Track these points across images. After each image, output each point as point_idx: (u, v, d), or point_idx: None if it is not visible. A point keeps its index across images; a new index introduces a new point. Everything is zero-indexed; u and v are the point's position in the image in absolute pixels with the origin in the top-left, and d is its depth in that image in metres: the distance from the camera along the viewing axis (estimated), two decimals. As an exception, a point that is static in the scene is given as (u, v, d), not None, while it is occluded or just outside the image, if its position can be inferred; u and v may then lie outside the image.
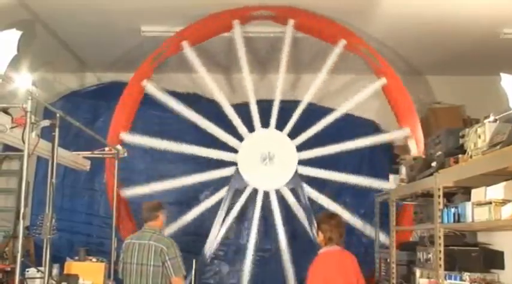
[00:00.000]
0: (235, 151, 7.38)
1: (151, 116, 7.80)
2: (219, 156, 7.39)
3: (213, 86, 7.30)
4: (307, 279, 4.65)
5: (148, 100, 7.47)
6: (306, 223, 7.28)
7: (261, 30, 7.31)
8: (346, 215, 7.16)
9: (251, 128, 7.39)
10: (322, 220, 4.84)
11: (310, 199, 7.33)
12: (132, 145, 7.14)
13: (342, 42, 7.11)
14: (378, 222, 6.82)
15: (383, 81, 7.27)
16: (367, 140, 7.28)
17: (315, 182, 7.41)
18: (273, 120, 7.34)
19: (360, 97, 7.30)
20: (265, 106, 7.38)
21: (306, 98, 7.30)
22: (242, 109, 7.44)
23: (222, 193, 7.35)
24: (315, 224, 5.00)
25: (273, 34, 7.31)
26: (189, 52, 7.13)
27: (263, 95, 7.63)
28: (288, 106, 7.40)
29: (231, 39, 7.20)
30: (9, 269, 5.04)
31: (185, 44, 7.10)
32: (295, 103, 7.43)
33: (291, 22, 7.00)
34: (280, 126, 7.36)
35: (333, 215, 4.95)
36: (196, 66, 7.16)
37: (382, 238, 6.77)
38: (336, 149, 7.28)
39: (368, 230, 7.20)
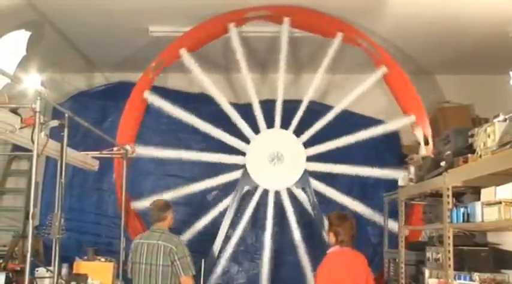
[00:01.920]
0: (243, 153, 7.42)
1: (158, 118, 7.79)
2: (227, 160, 7.42)
3: (214, 91, 7.31)
4: (315, 278, 4.64)
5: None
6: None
7: (259, 30, 7.28)
8: (357, 207, 7.23)
9: (256, 129, 7.42)
10: (334, 222, 4.78)
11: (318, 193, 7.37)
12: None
13: (339, 35, 7.08)
14: (387, 221, 6.81)
15: (383, 69, 7.23)
16: (375, 130, 7.26)
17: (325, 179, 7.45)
18: (278, 120, 7.35)
19: (362, 89, 7.25)
20: (268, 107, 7.41)
21: (308, 95, 7.31)
22: (244, 110, 7.46)
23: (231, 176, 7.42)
24: (326, 225, 4.95)
25: (271, 33, 7.30)
26: (188, 58, 7.15)
27: (265, 95, 7.70)
28: (290, 106, 7.41)
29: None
30: (18, 268, 5.07)
31: (183, 51, 7.14)
32: (297, 103, 7.42)
33: (287, 20, 6.98)
34: (284, 126, 7.38)
35: (345, 217, 4.86)
36: (196, 72, 7.19)
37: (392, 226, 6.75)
38: (344, 142, 7.25)
39: (377, 218, 7.19)
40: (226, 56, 7.78)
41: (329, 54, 7.14)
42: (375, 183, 7.74)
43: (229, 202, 7.38)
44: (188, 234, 7.18)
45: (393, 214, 6.57)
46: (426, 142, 7.06)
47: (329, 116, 7.30)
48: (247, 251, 8.12)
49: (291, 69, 7.63)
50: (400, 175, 6.19)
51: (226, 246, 7.35)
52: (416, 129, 7.29)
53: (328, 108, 7.51)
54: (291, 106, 7.38)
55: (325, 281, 4.55)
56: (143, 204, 7.08)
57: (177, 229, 6.57)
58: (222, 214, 7.39)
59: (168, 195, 7.07)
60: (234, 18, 7.01)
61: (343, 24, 7.05)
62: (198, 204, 7.93)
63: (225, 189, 7.63)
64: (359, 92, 7.26)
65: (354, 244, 4.77)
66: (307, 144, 7.39)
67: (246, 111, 7.44)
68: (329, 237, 4.79)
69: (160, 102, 7.25)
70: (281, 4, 6.80)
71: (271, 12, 6.94)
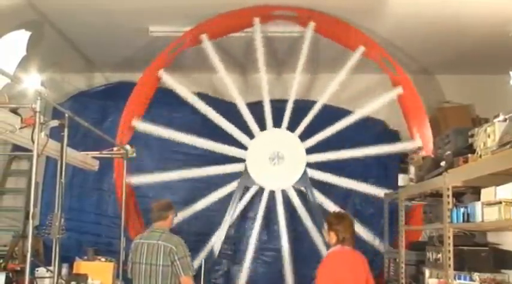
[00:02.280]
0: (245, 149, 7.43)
1: (158, 117, 7.77)
2: (228, 151, 7.42)
3: (229, 84, 7.33)
4: (316, 278, 4.64)
5: (155, 101, 7.53)
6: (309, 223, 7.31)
7: (281, 30, 7.30)
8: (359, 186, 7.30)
9: (262, 127, 7.44)
10: (334, 220, 4.80)
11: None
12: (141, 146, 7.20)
13: (361, 49, 7.13)
14: (387, 222, 6.81)
15: (311, 25, 7.12)
16: (379, 149, 7.24)
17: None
18: (285, 121, 7.37)
19: (376, 104, 7.28)
20: (279, 106, 7.42)
21: (322, 100, 7.30)
22: (254, 108, 7.48)
23: (232, 186, 7.40)
24: (325, 225, 4.94)
25: (294, 33, 7.32)
26: (208, 46, 7.12)
27: (277, 95, 7.71)
28: (301, 105, 7.45)
29: (248, 39, 7.22)
30: (19, 268, 5.08)
31: (204, 37, 7.10)
32: (309, 103, 7.48)
33: (312, 24, 7.02)
34: (292, 124, 7.40)
35: (344, 215, 4.90)
36: (215, 62, 7.17)
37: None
38: (346, 155, 7.27)
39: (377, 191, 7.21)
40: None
41: (349, 64, 7.14)
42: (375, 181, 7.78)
43: (229, 190, 7.39)
44: (188, 212, 7.18)
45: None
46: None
47: (337, 126, 7.28)
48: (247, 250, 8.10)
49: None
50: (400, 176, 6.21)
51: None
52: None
53: (337, 110, 7.59)
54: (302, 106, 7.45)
55: (326, 280, 4.55)
56: (141, 179, 7.17)
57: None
58: (222, 212, 7.40)
59: (168, 176, 7.23)
60: (159, 65, 7.19)
61: (365, 37, 7.13)
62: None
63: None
64: (373, 106, 7.29)
65: (354, 244, 4.78)
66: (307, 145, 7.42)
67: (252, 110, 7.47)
68: (329, 237, 4.78)
69: (173, 83, 7.25)
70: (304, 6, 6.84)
71: (188, 37, 7.10)
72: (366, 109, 7.32)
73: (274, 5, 6.82)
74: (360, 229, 7.02)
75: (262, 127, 7.43)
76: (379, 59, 7.28)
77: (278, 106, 7.42)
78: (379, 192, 7.13)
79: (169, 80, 7.24)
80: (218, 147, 7.37)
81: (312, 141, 7.36)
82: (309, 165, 7.38)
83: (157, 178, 7.35)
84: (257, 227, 7.35)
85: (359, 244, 5.47)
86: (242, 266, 7.30)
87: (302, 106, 7.45)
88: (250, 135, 7.43)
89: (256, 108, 7.49)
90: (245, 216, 7.97)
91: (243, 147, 7.43)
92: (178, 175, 7.40)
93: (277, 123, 7.41)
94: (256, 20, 6.97)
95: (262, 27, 7.05)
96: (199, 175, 7.45)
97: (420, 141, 7.16)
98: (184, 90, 7.31)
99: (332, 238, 4.73)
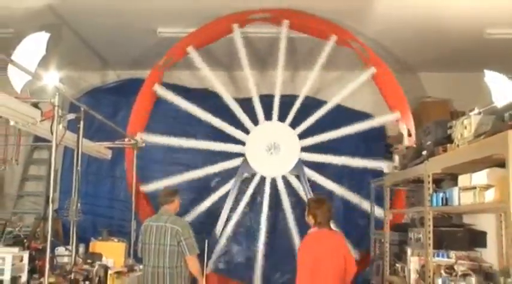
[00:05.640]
0: (243, 143, 7.47)
1: (167, 110, 7.77)
2: (228, 149, 7.45)
3: (217, 84, 7.37)
4: (297, 258, 4.65)
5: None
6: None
7: (259, 31, 7.32)
8: (346, 194, 7.33)
9: (255, 121, 7.48)
10: (313, 205, 4.80)
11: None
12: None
13: (333, 38, 7.11)
14: (373, 206, 6.83)
15: (372, 70, 7.25)
16: (364, 124, 7.28)
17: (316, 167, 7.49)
18: (275, 113, 7.38)
19: (353, 87, 7.31)
20: (266, 101, 7.44)
21: (304, 91, 7.34)
22: (245, 104, 7.50)
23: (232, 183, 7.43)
24: (306, 207, 4.96)
25: (270, 34, 7.32)
26: (195, 55, 7.19)
27: (264, 91, 7.70)
28: (287, 101, 7.45)
29: (233, 40, 7.21)
30: (40, 247, 5.10)
31: (190, 49, 7.18)
32: (293, 98, 7.47)
33: (286, 22, 7.01)
34: (281, 119, 7.45)
35: (323, 201, 4.85)
36: (202, 67, 7.25)
37: (378, 212, 6.74)
38: (335, 134, 7.28)
39: (364, 205, 7.22)
40: (229, 55, 7.75)
41: (325, 53, 7.12)
42: (362, 171, 7.78)
43: (229, 187, 7.42)
44: (192, 215, 7.18)
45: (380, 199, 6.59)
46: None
47: (322, 110, 7.33)
48: (247, 232, 8.14)
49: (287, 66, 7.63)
50: (384, 165, 6.18)
51: (226, 228, 7.40)
52: (400, 126, 7.22)
53: (322, 103, 7.55)
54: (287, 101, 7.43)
55: (305, 259, 4.56)
56: (150, 187, 7.20)
57: (185, 211, 6.62)
58: (223, 199, 7.43)
59: (174, 180, 7.17)
60: (238, 20, 7.02)
61: (337, 27, 7.05)
62: (203, 190, 7.92)
63: (227, 177, 7.65)
64: (351, 89, 7.32)
65: (342, 226, 4.80)
66: (302, 136, 7.44)
67: (245, 104, 7.48)
68: (308, 219, 4.80)
69: (168, 94, 7.32)
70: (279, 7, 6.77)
71: (271, 15, 6.92)
72: (340, 95, 7.36)
73: (250, 9, 6.84)
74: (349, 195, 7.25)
75: (255, 122, 7.47)
76: (351, 45, 7.24)
77: (264, 100, 7.46)
78: (379, 165, 6.97)
79: (237, 34, 7.13)
80: (218, 146, 7.43)
81: (302, 127, 7.39)
82: (304, 149, 7.42)
83: (165, 183, 7.26)
84: (265, 210, 7.37)
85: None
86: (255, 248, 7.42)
87: (288, 101, 7.48)
88: (246, 131, 7.47)
89: (244, 104, 7.51)
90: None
91: (241, 142, 7.47)
92: (184, 177, 7.37)
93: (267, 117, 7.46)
94: (235, 26, 7.01)
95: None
96: (203, 174, 7.45)
97: (399, 113, 7.23)
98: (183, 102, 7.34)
99: (310, 220, 4.76)
